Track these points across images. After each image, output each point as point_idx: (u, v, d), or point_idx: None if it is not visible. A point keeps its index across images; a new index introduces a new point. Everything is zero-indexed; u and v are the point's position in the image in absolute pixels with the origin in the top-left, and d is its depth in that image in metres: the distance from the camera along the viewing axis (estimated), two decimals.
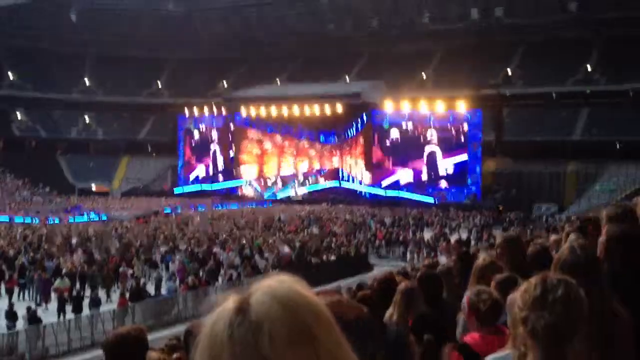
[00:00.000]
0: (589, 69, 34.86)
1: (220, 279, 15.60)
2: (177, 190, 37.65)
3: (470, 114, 31.37)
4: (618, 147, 31.26)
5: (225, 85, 41.81)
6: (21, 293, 15.17)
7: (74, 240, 20.06)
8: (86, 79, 44.42)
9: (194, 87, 42.56)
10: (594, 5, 35.63)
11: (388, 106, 32.91)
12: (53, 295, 14.06)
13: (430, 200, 30.68)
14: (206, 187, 37.38)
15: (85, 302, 13.42)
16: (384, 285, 3.61)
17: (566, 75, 34.96)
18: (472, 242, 18.08)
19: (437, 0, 39.74)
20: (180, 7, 44.31)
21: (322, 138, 35.29)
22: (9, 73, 42.36)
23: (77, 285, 14.35)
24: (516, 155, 32.24)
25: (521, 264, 3.13)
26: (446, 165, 31.86)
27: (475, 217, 25.89)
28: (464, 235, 20.39)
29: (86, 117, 43.29)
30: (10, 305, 12.76)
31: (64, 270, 15.28)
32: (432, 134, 32.20)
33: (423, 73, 37.66)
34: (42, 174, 36.40)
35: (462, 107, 31.52)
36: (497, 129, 32.86)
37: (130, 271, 15.53)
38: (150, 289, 14.67)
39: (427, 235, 20.87)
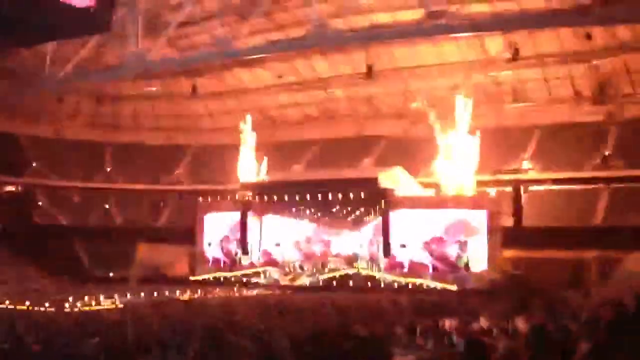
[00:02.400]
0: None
1: None
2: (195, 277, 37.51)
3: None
4: None
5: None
6: None
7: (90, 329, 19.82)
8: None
9: (213, 173, 43.59)
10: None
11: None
12: None
13: (452, 287, 30.19)
14: (224, 273, 37.24)
15: None
16: None
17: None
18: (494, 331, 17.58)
19: None
20: None
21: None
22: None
23: None
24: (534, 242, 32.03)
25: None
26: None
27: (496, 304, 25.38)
28: (485, 324, 19.89)
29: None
30: None
31: None
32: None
33: None
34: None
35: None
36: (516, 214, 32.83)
37: None
38: None
39: (448, 323, 20.38)
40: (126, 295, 29.90)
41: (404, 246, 32.94)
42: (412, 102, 41.99)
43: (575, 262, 31.27)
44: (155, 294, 30.43)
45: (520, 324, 14.29)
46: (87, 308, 26.85)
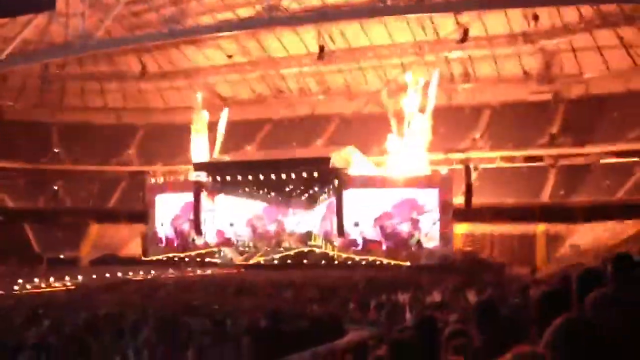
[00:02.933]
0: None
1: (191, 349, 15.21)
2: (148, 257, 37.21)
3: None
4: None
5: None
6: None
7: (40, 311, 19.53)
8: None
9: (164, 154, 43.11)
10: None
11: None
12: None
13: (405, 263, 30.68)
14: (178, 254, 37.03)
15: None
16: None
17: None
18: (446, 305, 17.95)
19: None
20: None
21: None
22: None
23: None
24: (484, 219, 32.76)
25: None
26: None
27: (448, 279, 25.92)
28: (438, 297, 20.30)
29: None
30: None
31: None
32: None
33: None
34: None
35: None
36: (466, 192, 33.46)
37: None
38: None
39: (401, 298, 20.75)
40: (77, 277, 29.51)
41: (357, 225, 33.27)
42: (364, 82, 42.28)
43: (524, 238, 32.11)
44: (107, 275, 30.10)
45: (471, 297, 14.69)
46: (37, 290, 26.43)
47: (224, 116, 40.70)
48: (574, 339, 1.94)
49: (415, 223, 32.36)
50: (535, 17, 33.29)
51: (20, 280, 27.04)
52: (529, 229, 32.25)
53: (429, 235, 32.12)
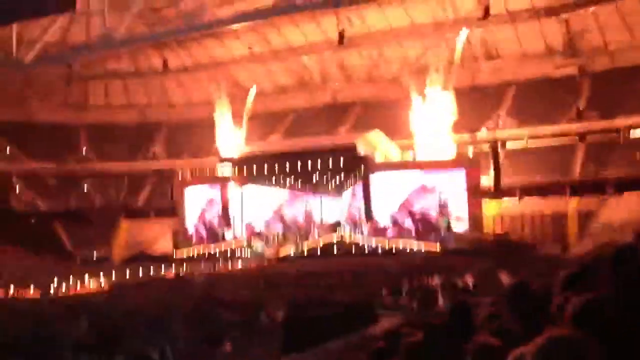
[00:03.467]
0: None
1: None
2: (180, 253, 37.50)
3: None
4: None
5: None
6: None
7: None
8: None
9: (190, 149, 43.38)
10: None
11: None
12: None
13: (435, 248, 30.50)
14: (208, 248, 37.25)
15: None
16: None
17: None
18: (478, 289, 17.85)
19: None
20: None
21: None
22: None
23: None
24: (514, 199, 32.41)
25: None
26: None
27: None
28: (470, 281, 20.19)
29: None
30: None
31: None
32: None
33: None
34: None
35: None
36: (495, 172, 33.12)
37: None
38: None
39: (434, 282, 20.68)
40: (111, 276, 29.90)
41: (385, 210, 33.14)
42: (386, 66, 41.93)
43: (555, 216, 31.68)
44: (140, 273, 30.45)
45: (504, 279, 14.54)
46: (72, 292, 26.83)
47: (250, 97, 40.86)
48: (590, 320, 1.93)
49: (444, 206, 32.10)
50: None
51: (56, 280, 27.46)
52: (559, 206, 31.78)
53: (459, 218, 31.85)
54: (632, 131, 33.68)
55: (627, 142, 33.34)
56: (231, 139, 40.28)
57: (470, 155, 33.14)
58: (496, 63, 39.77)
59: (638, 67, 34.68)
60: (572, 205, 31.81)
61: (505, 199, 32.54)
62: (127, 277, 29.73)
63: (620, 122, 33.84)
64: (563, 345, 1.78)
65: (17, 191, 42.49)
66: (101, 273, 30.07)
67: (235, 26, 36.85)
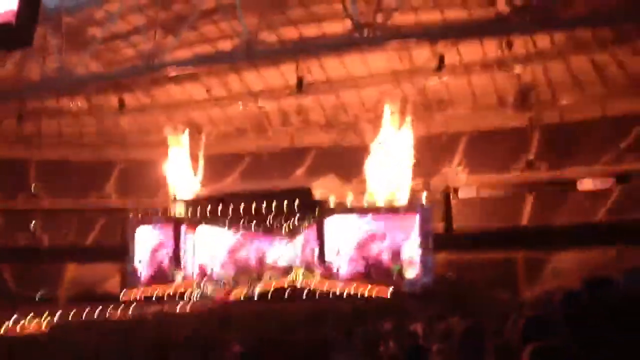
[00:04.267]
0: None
1: None
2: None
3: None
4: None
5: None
6: None
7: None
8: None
9: (143, 189, 42.79)
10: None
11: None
12: None
13: (387, 292, 30.56)
14: (158, 290, 36.53)
15: None
16: None
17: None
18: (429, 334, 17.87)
19: None
20: None
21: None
22: None
23: None
24: (465, 245, 32.82)
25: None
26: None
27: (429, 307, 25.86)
28: (421, 327, 20.21)
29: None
30: None
31: None
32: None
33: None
34: None
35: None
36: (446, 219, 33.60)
37: None
38: None
39: (384, 327, 20.64)
40: (55, 316, 28.97)
41: (338, 254, 33.16)
42: (343, 113, 42.51)
43: (504, 263, 32.19)
44: (86, 314, 29.60)
45: (455, 325, 14.62)
46: (13, 333, 25.88)
47: (204, 138, 40.83)
48: None
49: (396, 251, 32.30)
50: (509, 44, 33.82)
51: None
52: (509, 253, 32.35)
53: (411, 263, 32.05)
54: (579, 182, 34.73)
55: (575, 193, 34.34)
56: (186, 179, 40.00)
57: (424, 202, 33.54)
58: (449, 113, 40.72)
59: (587, 121, 35.95)
60: (520, 252, 32.41)
61: (457, 244, 32.94)
62: (71, 317, 28.84)
63: (568, 173, 34.89)
64: None
65: None
66: (45, 314, 29.14)
67: (194, 69, 36.96)
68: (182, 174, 40.18)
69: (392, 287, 30.97)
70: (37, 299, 36.91)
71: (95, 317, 29.15)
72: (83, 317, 28.98)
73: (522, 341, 2.72)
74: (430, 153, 37.20)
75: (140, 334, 21.40)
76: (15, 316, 28.18)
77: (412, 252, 32.05)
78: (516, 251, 32.36)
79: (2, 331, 25.99)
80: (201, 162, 40.36)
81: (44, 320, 28.03)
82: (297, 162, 42.52)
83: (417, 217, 32.46)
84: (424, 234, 32.06)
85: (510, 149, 37.23)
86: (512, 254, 32.31)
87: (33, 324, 27.65)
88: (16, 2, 7.19)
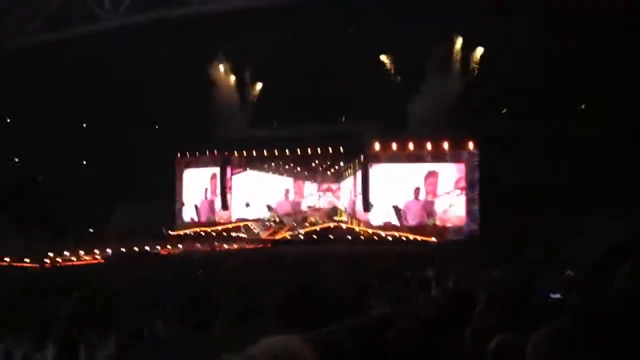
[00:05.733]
0: None
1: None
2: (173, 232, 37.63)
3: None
4: None
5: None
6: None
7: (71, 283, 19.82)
8: None
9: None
10: None
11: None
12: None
13: (431, 239, 30.63)
14: (205, 228, 37.36)
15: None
16: None
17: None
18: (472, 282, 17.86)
19: None
20: None
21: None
22: None
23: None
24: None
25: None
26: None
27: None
28: (463, 274, 20.18)
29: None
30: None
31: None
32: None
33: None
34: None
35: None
36: None
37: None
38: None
39: (428, 273, 20.69)
40: (106, 251, 29.97)
41: (382, 200, 33.18)
42: None
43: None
44: (136, 249, 30.54)
45: (497, 274, 14.58)
46: (68, 263, 26.92)
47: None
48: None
49: (442, 200, 32.09)
50: None
51: (50, 254, 27.48)
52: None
53: (456, 211, 31.86)
54: None
55: None
56: (235, 120, 40.08)
57: (471, 150, 32.91)
58: None
59: None
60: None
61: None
62: (122, 251, 29.82)
63: None
64: (564, 337, 1.82)
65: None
66: (96, 248, 30.11)
67: None
68: (231, 115, 40.27)
69: (436, 234, 31.01)
70: (89, 233, 38.15)
71: (144, 251, 30.10)
72: (133, 251, 30.01)
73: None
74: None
75: (185, 270, 22.05)
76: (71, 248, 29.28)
77: (458, 200, 31.86)
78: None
79: (61, 261, 27.11)
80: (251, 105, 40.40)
81: (96, 255, 29.05)
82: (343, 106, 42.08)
83: (464, 165, 32.13)
84: (470, 182, 31.76)
85: None
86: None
87: (87, 257, 28.69)
88: None
